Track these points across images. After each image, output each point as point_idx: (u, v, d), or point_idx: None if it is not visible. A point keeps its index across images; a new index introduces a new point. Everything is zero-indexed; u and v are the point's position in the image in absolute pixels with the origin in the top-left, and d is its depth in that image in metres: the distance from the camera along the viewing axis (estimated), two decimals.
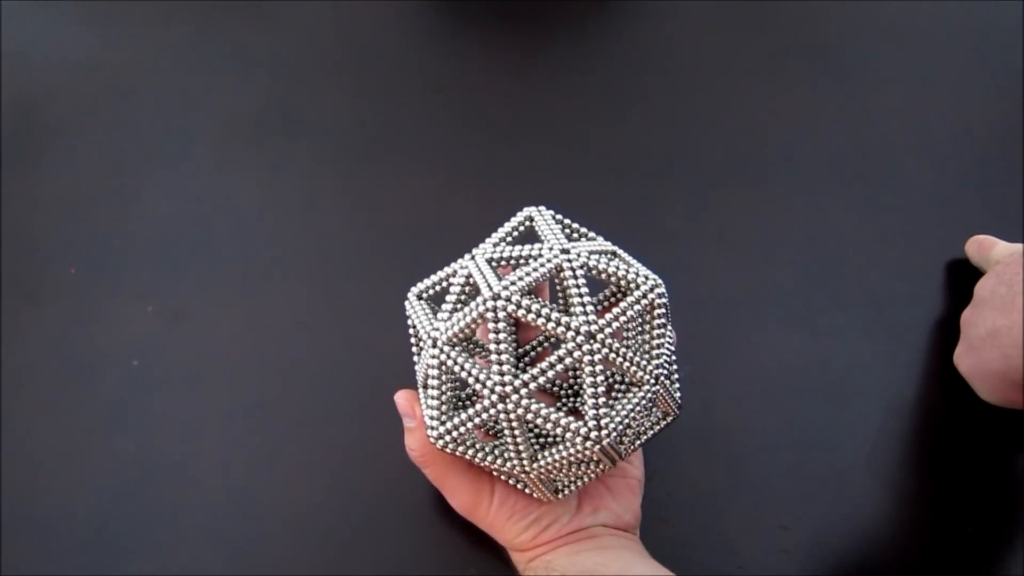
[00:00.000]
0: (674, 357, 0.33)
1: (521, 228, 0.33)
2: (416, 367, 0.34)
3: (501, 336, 0.29)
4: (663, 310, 0.32)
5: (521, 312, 0.29)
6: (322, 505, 0.40)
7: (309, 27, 0.57)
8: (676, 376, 0.33)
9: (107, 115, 0.53)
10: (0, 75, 0.55)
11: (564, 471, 0.32)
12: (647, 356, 0.32)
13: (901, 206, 0.48)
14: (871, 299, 0.45)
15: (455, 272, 0.32)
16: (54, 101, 0.54)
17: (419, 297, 0.33)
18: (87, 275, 0.47)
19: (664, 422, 0.34)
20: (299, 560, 0.39)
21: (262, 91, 0.54)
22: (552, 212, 0.33)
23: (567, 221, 0.34)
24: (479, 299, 0.29)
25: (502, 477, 0.34)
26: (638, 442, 0.33)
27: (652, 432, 0.33)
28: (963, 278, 0.44)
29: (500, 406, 0.29)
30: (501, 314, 0.29)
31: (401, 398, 0.35)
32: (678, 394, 0.33)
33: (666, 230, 0.48)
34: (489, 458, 0.32)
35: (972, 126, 0.51)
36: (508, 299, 0.29)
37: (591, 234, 0.34)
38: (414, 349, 0.34)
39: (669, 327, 0.33)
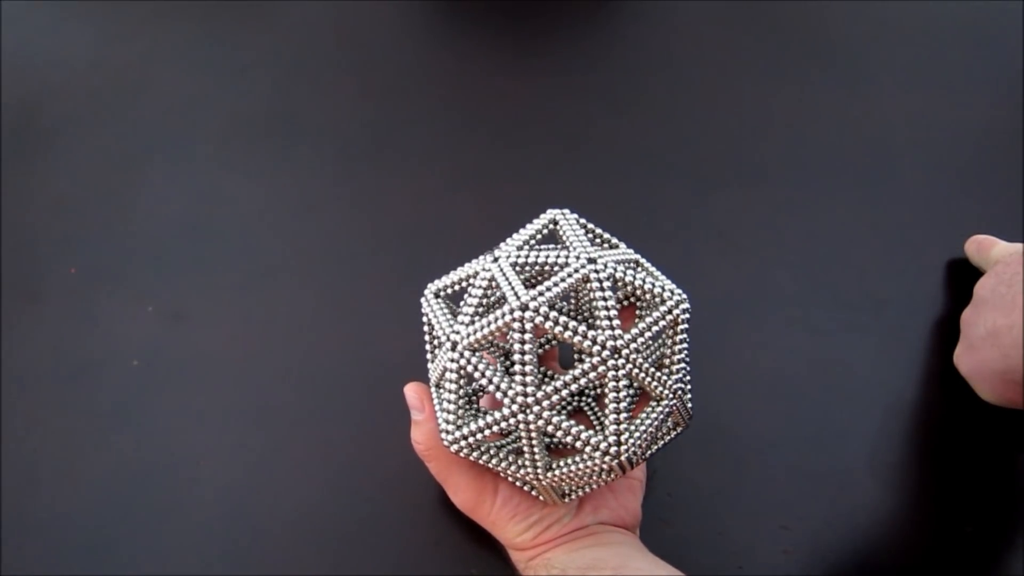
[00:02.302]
0: (689, 368, 0.33)
1: (545, 231, 0.33)
2: (429, 365, 0.33)
3: (527, 348, 0.28)
4: (686, 325, 0.31)
5: (548, 324, 0.28)
6: (322, 505, 0.40)
7: (309, 27, 0.57)
8: (689, 388, 0.33)
9: (107, 115, 0.53)
10: (0, 75, 0.55)
11: (576, 480, 0.32)
12: (667, 371, 0.31)
13: (901, 206, 0.48)
14: (871, 299, 0.45)
15: (477, 273, 0.31)
16: (54, 101, 0.54)
17: (436, 295, 0.33)
18: (87, 275, 0.47)
19: (675, 432, 0.34)
20: (299, 560, 0.39)
21: (263, 91, 0.54)
22: (576, 216, 0.33)
23: (590, 226, 0.33)
24: (506, 308, 0.29)
25: (509, 479, 0.34)
26: (649, 452, 0.32)
27: (663, 442, 0.33)
28: (963, 278, 0.44)
29: (520, 416, 0.29)
30: (528, 325, 0.28)
31: (411, 391, 0.34)
32: (690, 404, 0.33)
33: (666, 230, 0.48)
34: (503, 464, 0.32)
35: (972, 126, 0.51)
36: (536, 310, 0.28)
37: (614, 240, 0.33)
38: (428, 347, 0.34)
39: (688, 343, 0.32)
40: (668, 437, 0.33)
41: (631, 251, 0.33)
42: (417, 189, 0.50)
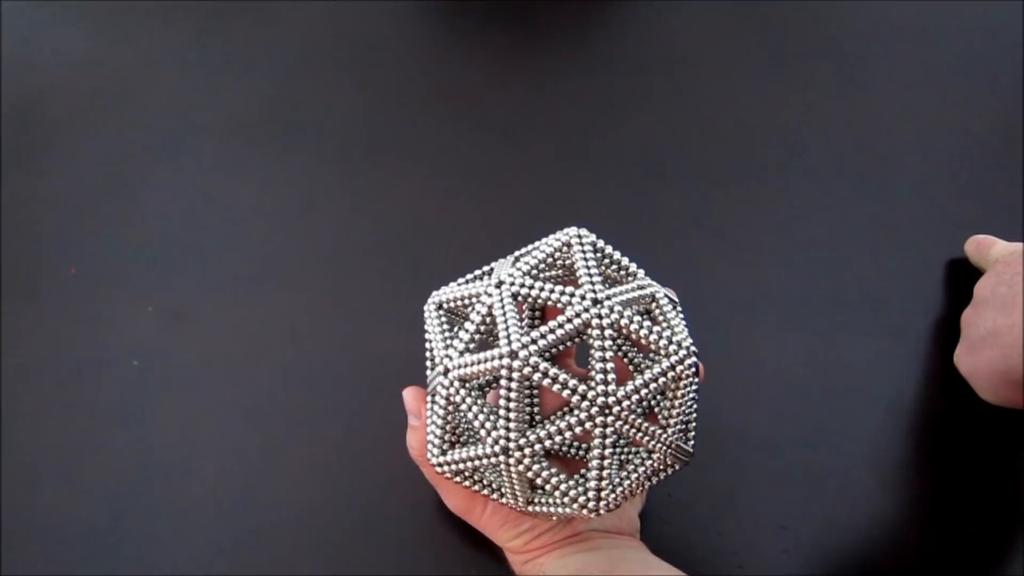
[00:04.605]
0: (695, 406, 0.31)
1: (558, 255, 0.31)
2: (428, 372, 0.33)
3: (512, 395, 0.28)
4: (689, 381, 0.29)
5: (537, 376, 0.27)
6: (322, 505, 0.40)
7: (309, 27, 0.57)
8: (694, 425, 0.32)
9: (107, 115, 0.53)
10: (0, 75, 0.55)
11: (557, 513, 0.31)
12: (662, 425, 0.30)
13: (901, 206, 0.48)
14: (871, 299, 0.45)
15: (479, 295, 0.30)
16: (54, 101, 0.54)
17: (439, 307, 0.32)
18: (87, 275, 0.47)
19: (672, 469, 0.32)
20: (299, 560, 0.39)
21: (262, 91, 0.54)
22: (593, 239, 0.31)
23: (608, 250, 0.31)
24: (496, 352, 0.28)
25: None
26: (640, 489, 0.31)
27: (656, 480, 0.32)
28: (963, 278, 0.44)
29: (502, 458, 0.28)
30: (515, 375, 0.27)
31: (409, 395, 0.34)
32: (691, 444, 0.32)
33: (666, 230, 0.48)
34: (485, 491, 0.31)
35: (972, 126, 0.51)
36: (525, 360, 0.27)
37: (632, 267, 0.31)
38: (427, 355, 0.33)
39: (695, 390, 0.30)
40: (663, 474, 0.32)
41: (648, 280, 0.31)
42: (417, 190, 0.50)
